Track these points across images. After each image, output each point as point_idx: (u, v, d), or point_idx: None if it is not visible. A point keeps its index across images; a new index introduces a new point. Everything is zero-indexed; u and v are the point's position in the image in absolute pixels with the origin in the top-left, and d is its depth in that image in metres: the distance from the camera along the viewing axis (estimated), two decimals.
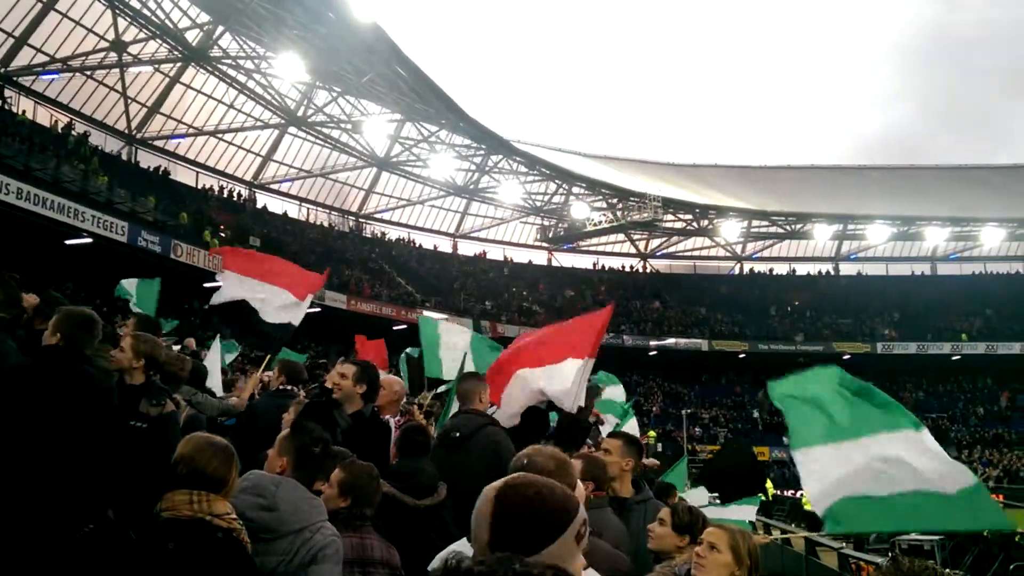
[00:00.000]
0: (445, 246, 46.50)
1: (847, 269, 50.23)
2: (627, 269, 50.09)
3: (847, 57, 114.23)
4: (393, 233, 44.52)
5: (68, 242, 22.15)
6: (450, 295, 39.40)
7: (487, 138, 39.47)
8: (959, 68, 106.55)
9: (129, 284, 9.38)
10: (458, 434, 4.22)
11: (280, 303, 6.44)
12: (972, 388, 43.18)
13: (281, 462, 2.88)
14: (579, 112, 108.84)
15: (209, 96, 34.46)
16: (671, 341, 41.91)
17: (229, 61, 33.16)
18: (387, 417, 4.97)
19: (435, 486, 3.74)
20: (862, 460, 4.01)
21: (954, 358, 41.88)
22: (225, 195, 35.79)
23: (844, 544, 12.01)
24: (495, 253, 47.68)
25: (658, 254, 50.88)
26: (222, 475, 2.49)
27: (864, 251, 50.14)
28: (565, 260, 49.56)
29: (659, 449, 29.03)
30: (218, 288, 6.51)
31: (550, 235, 47.00)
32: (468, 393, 4.47)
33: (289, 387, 5.26)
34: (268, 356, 6.99)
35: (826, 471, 4.07)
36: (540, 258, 48.98)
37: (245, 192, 37.71)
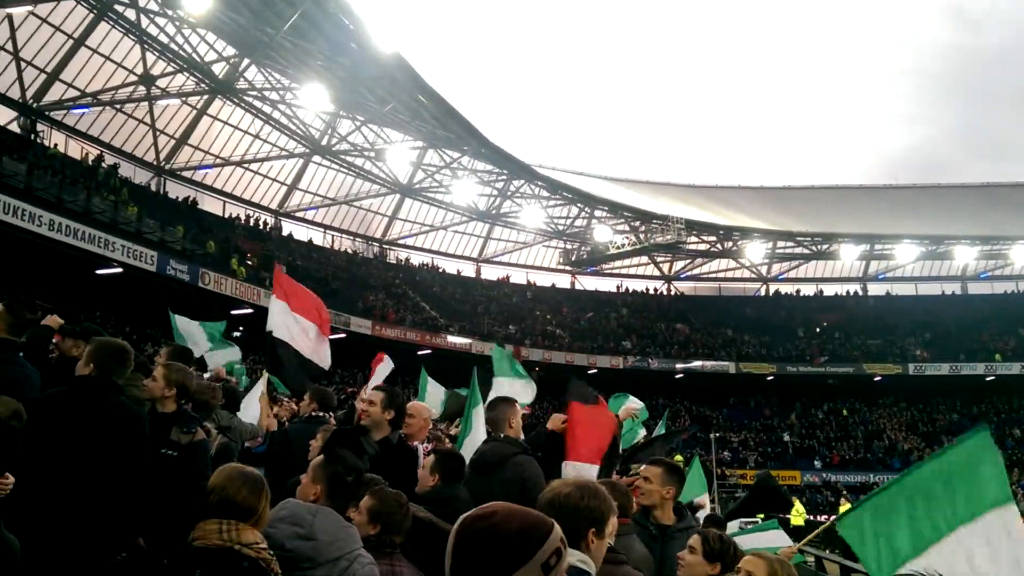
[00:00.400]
0: (468, 271, 46.67)
1: (875, 289, 49.55)
2: (651, 291, 49.88)
3: (868, 78, 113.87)
4: (416, 259, 44.79)
5: (99, 272, 22.52)
6: (474, 319, 39.44)
7: (509, 163, 39.72)
8: (981, 89, 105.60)
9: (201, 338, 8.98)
10: (487, 461, 4.18)
11: (312, 338, 6.43)
12: (1008, 409, 42.16)
13: (315, 490, 2.89)
14: (600, 135, 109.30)
15: (235, 127, 35.10)
16: (697, 364, 41.54)
17: (255, 93, 33.78)
18: (416, 443, 4.95)
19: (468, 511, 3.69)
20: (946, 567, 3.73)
21: (988, 379, 41.04)
22: (251, 224, 36.27)
23: None
24: (518, 277, 47.78)
25: (682, 276, 50.60)
26: (251, 505, 2.52)
27: (892, 271, 49.45)
28: (588, 283, 49.49)
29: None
30: (268, 315, 6.48)
31: (573, 258, 46.98)
32: (498, 420, 4.42)
33: (320, 413, 5.27)
34: (266, 376, 6.90)
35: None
36: (563, 281, 48.95)
37: (271, 220, 38.21)
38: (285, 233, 38.27)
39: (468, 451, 5.73)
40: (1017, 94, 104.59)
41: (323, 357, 6.44)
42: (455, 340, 35.76)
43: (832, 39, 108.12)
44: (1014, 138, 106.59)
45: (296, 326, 6.35)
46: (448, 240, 46.31)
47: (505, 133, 50.76)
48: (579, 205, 44.44)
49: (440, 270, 44.91)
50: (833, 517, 21.46)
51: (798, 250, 47.57)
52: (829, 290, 49.59)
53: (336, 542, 2.67)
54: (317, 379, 6.22)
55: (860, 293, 49.46)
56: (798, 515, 22.97)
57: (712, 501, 20.87)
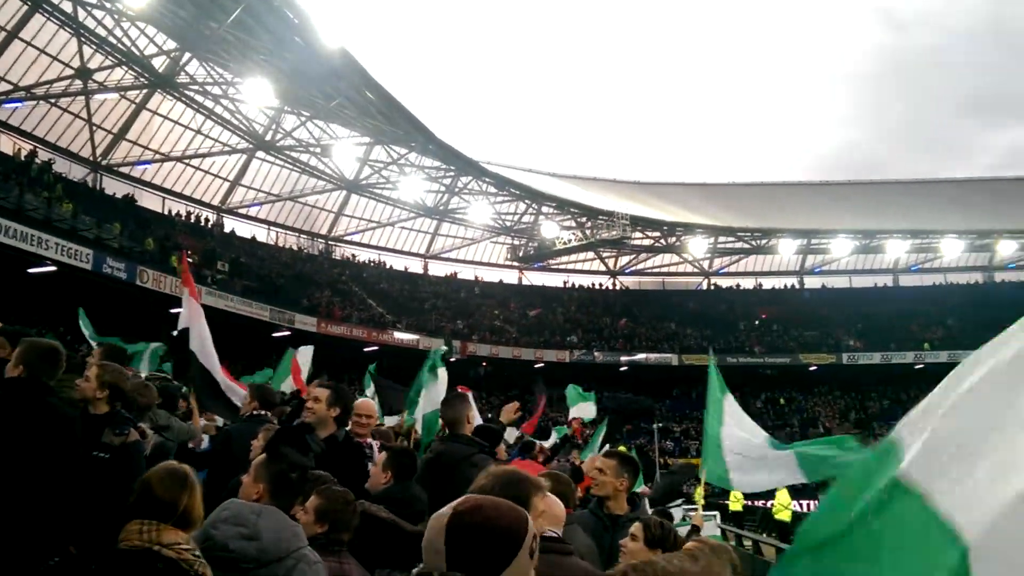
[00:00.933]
0: (416, 267, 46.63)
1: (812, 282, 51.13)
2: (597, 286, 50.54)
3: (804, 79, 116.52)
4: (363, 255, 44.55)
5: (31, 271, 21.92)
6: (421, 316, 39.47)
7: (456, 159, 39.78)
8: (914, 89, 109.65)
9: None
10: (446, 461, 4.19)
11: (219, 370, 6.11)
12: None
13: (257, 489, 2.87)
14: (547, 132, 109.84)
15: (176, 122, 34.40)
16: (641, 357, 42.33)
17: (196, 87, 33.17)
18: (369, 440, 5.01)
19: (425, 511, 3.64)
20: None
21: (917, 367, 42.68)
22: (192, 220, 35.63)
23: None
24: (466, 273, 47.91)
25: (627, 271, 51.41)
26: (173, 498, 2.45)
27: (828, 264, 51.12)
28: (535, 279, 49.88)
29: None
30: (180, 313, 6.30)
31: (520, 254, 47.32)
32: (455, 419, 4.48)
33: (262, 412, 5.21)
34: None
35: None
36: (511, 277, 49.28)
37: (213, 217, 37.57)
38: (227, 230, 37.67)
39: (427, 405, 5.95)
40: (945, 95, 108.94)
41: (237, 393, 6.05)
42: (402, 336, 35.77)
43: (770, 42, 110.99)
44: (944, 137, 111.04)
45: (208, 340, 6.03)
46: (395, 236, 46.17)
47: (453, 130, 50.97)
48: (526, 201, 44.77)
49: (387, 266, 44.78)
50: (771, 502, 21.97)
51: (739, 245, 48.76)
52: (768, 283, 51.02)
53: (281, 541, 2.63)
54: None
55: (797, 286, 50.97)
56: (736, 501, 23.71)
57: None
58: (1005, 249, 47.32)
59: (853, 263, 50.77)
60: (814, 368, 42.88)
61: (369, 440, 4.96)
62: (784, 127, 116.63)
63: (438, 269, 47.46)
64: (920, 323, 45.40)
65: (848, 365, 42.47)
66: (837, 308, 46.84)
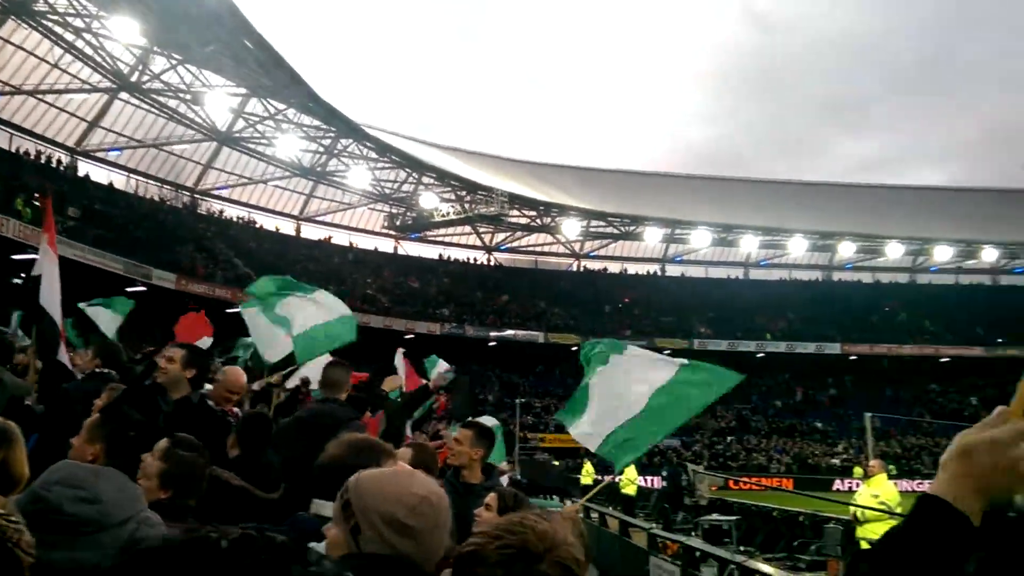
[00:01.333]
0: (288, 228, 45.37)
1: (673, 270, 54.05)
2: (472, 261, 51.11)
3: (679, 72, 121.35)
4: (232, 212, 42.86)
5: None
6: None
7: (337, 120, 38.79)
8: (780, 91, 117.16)
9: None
10: (324, 422, 4.17)
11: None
12: (772, 383, 47.82)
13: (93, 450, 2.73)
14: (431, 103, 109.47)
15: (31, 53, 31.54)
16: (510, 333, 43.34)
17: (56, 17, 30.54)
18: (235, 410, 5.01)
19: (280, 478, 3.71)
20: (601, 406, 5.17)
21: (759, 355, 46.14)
22: (43, 161, 33.04)
23: (653, 525, 13.32)
24: (340, 238, 47.15)
25: (502, 248, 52.27)
26: None
27: (688, 254, 54.02)
28: (411, 249, 49.80)
29: None
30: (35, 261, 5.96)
31: (398, 223, 46.99)
32: (336, 383, 4.56)
33: (105, 370, 5.01)
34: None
35: (586, 426, 5.16)
36: (386, 246, 48.93)
37: (66, 158, 34.97)
38: (81, 174, 35.18)
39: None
40: (807, 99, 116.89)
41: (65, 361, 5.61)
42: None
43: (647, 38, 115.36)
44: (804, 140, 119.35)
45: (57, 294, 5.68)
46: (268, 195, 44.66)
47: (336, 90, 49.72)
48: (407, 170, 44.37)
49: (257, 225, 43.31)
50: (618, 477, 23.46)
51: (608, 229, 50.58)
52: (632, 269, 53.38)
53: (123, 503, 2.50)
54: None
55: (659, 273, 53.66)
56: (587, 475, 25.02)
57: (512, 463, 22.10)
58: (845, 250, 51.78)
59: (710, 255, 53.80)
60: (668, 352, 45.12)
61: (235, 409, 4.96)
62: (654, 118, 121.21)
63: (311, 232, 46.44)
64: (765, 315, 48.95)
65: (698, 351, 44.96)
66: (693, 296, 49.67)
